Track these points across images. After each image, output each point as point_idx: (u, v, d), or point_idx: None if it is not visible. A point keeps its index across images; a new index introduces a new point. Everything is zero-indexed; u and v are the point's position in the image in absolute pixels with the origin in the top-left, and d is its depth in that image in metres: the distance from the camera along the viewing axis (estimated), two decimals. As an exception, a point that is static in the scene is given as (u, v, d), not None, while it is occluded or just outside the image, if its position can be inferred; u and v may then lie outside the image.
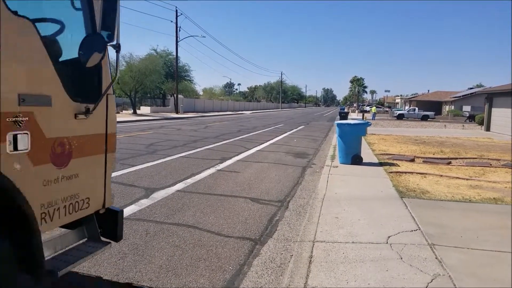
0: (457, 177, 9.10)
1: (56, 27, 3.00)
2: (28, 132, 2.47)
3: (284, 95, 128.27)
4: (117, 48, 2.89)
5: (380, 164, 10.84)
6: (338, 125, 11.18)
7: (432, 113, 54.67)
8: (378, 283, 3.68)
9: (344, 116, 34.84)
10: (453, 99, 66.19)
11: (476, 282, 3.72)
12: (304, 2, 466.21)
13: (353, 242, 4.71)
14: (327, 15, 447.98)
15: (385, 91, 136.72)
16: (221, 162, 10.76)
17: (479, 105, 47.43)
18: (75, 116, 2.85)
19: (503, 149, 15.61)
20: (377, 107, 64.41)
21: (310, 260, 4.18)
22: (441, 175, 9.28)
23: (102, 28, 2.80)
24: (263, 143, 16.42)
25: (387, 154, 12.88)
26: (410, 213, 5.96)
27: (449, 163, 11.49)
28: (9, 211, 2.47)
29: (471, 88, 72.93)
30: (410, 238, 4.84)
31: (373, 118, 46.21)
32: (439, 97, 74.62)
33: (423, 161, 11.64)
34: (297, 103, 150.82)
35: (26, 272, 2.63)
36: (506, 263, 4.15)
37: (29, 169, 2.50)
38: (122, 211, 3.50)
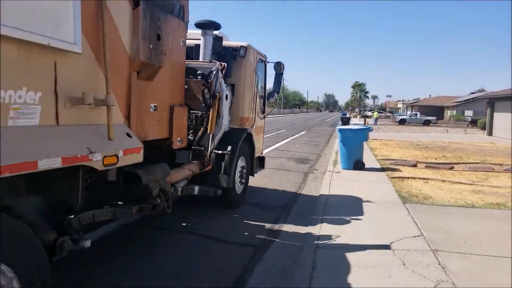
0: (459, 182, 9.07)
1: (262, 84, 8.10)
2: (254, 125, 7.43)
3: (286, 100, 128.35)
4: (277, 96, 8.43)
5: (383, 169, 10.82)
6: (340, 130, 11.18)
7: (434, 118, 54.63)
8: (381, 289, 3.66)
9: (346, 121, 34.78)
10: (455, 104, 66.11)
11: (480, 288, 3.69)
12: (304, 7, 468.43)
13: (355, 247, 4.69)
14: (328, 20, 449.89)
15: (387, 96, 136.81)
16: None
17: (481, 110, 47.33)
18: (261, 118, 8.03)
19: (506, 154, 15.56)
20: (378, 112, 64.36)
21: (313, 266, 4.16)
22: (444, 180, 9.26)
23: (274, 87, 8.25)
24: (265, 148, 16.39)
25: (389, 159, 12.86)
26: (413, 218, 5.94)
27: (451, 168, 11.46)
28: (251, 148, 7.09)
29: (473, 93, 72.84)
30: (413, 244, 4.82)
31: (375, 123, 46.15)
32: (441, 102, 74.55)
33: (425, 166, 11.62)
34: (299, 108, 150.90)
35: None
36: (509, 269, 4.12)
37: (256, 134, 7.54)
38: (264, 157, 8.42)
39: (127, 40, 3.65)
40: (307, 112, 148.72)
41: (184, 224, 5.77)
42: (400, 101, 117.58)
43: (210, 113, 5.56)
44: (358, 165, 10.65)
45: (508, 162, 12.87)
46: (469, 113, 56.21)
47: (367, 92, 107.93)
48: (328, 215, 6.09)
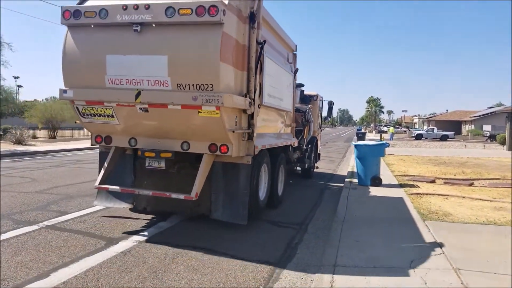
0: (480, 199, 8.88)
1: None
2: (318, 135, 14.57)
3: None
4: (329, 119, 19.04)
5: (400, 185, 10.67)
6: (356, 146, 11.11)
7: (452, 132, 53.85)
8: (402, 309, 3.58)
9: (361, 136, 34.60)
10: (472, 118, 65.16)
11: (505, 309, 3.58)
12: (316, 21, 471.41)
13: (374, 267, 4.61)
14: (341, 35, 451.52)
15: (403, 111, 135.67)
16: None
17: (500, 124, 46.56)
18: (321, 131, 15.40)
19: (527, 170, 15.18)
20: (394, 127, 63.79)
21: (331, 286, 4.10)
22: (464, 197, 9.08)
23: (327, 114, 15.57)
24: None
25: (406, 175, 12.68)
26: (433, 236, 5.82)
27: (471, 184, 11.24)
28: (316, 147, 13.46)
29: (491, 107, 71.80)
30: (434, 262, 4.72)
31: (391, 139, 45.72)
32: (458, 117, 73.61)
33: (444, 182, 11.42)
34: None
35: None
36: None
37: (319, 140, 14.46)
38: (320, 153, 14.73)
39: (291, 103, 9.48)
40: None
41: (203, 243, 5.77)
42: (416, 116, 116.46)
43: (305, 129, 11.69)
44: (375, 181, 10.53)
45: (530, 178, 12.55)
46: (487, 127, 55.32)
47: (382, 107, 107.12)
48: (346, 233, 6.01)
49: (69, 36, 5.85)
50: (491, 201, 8.70)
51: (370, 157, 10.65)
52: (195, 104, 5.29)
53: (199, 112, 5.38)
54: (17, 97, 49.84)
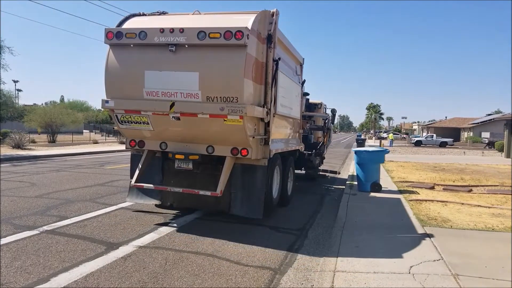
0: (479, 205, 8.91)
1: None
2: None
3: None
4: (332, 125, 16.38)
5: (400, 191, 10.70)
6: (356, 152, 11.15)
7: (451, 139, 53.98)
8: (402, 314, 3.59)
9: (361, 143, 34.63)
10: (471, 125, 65.32)
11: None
12: (315, 28, 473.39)
13: (374, 272, 4.63)
14: (340, 42, 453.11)
15: (402, 117, 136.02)
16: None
17: (498, 132, 46.68)
18: (323, 136, 13.75)
19: (526, 176, 15.22)
20: (394, 134, 63.92)
21: (331, 290, 4.11)
22: (463, 203, 9.10)
23: (331, 121, 14.58)
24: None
25: (406, 182, 12.72)
26: (432, 242, 5.84)
27: (470, 191, 11.27)
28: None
29: (489, 115, 72.00)
30: (433, 268, 4.74)
31: (391, 145, 45.83)
32: (457, 124, 73.77)
33: (443, 189, 11.45)
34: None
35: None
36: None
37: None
38: (325, 156, 14.67)
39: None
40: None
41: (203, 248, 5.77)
42: (415, 122, 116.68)
43: (326, 136, 13.31)
44: (375, 187, 10.56)
45: (528, 184, 12.58)
46: (486, 135, 55.45)
47: (382, 114, 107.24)
48: (346, 239, 6.03)
49: (111, 54, 6.70)
50: (489, 207, 8.73)
51: (370, 163, 10.69)
52: (222, 114, 6.13)
53: (224, 120, 6.21)
54: (17, 101, 49.89)
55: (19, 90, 72.37)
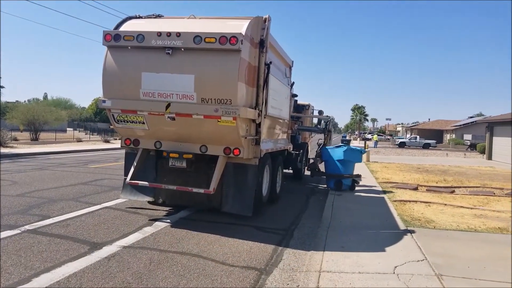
0: (461, 206, 9.06)
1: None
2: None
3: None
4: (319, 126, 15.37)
5: (384, 192, 10.81)
6: (329, 149, 11.61)
7: (434, 141, 54.78)
8: (387, 314, 3.62)
9: (346, 143, 34.93)
10: (454, 127, 66.40)
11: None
12: (302, 26, 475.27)
13: (359, 273, 4.66)
14: (325, 44, 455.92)
15: (386, 119, 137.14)
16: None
17: (480, 134, 47.54)
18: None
19: (506, 178, 15.57)
20: (378, 135, 64.56)
21: (317, 291, 4.13)
22: (445, 204, 9.24)
23: (317, 122, 15.89)
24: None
25: (390, 182, 12.86)
26: (416, 242, 5.91)
27: (452, 192, 11.45)
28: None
29: (471, 117, 73.26)
30: (417, 268, 4.80)
31: (375, 146, 46.29)
32: (440, 126, 74.93)
33: (426, 190, 11.61)
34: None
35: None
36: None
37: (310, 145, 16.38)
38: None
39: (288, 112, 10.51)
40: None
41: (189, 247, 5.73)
42: (399, 124, 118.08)
43: (327, 137, 13.43)
44: (339, 185, 10.94)
45: (508, 186, 12.87)
46: (468, 137, 56.48)
47: (367, 115, 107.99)
48: (331, 239, 6.07)
49: (109, 56, 6.88)
50: (471, 208, 8.89)
51: (330, 160, 11.30)
52: (216, 115, 6.37)
53: (218, 121, 6.44)
54: (-2, 98, 48.90)
55: (1, 87, 70.84)
